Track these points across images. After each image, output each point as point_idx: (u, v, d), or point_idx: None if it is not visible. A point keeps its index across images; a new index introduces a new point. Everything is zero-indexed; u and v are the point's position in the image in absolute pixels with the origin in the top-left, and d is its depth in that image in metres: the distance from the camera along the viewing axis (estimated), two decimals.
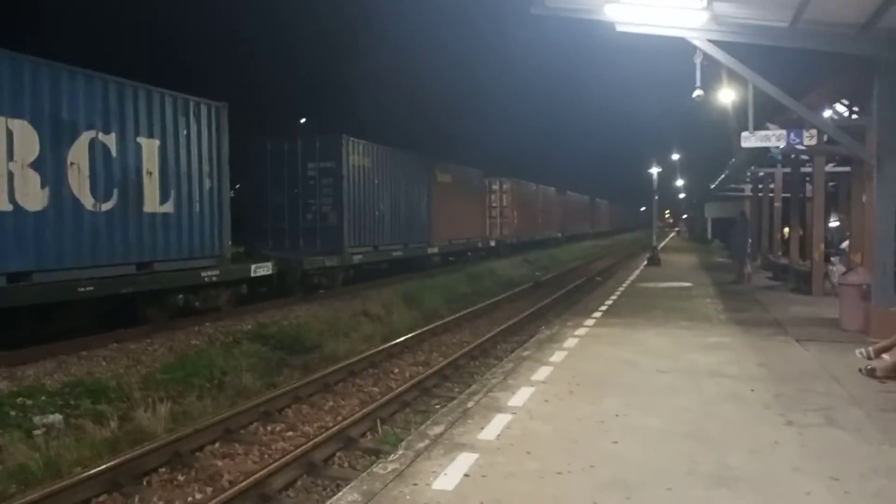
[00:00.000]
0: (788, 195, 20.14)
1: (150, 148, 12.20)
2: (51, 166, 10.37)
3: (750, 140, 10.93)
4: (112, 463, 6.23)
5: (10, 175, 9.74)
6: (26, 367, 9.63)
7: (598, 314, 12.43)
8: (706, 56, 9.90)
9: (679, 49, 10.35)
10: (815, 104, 12.08)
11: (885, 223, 9.45)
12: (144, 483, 6.30)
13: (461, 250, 28.04)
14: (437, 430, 5.68)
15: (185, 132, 13.00)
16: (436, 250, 25.14)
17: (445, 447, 5.26)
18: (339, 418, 8.05)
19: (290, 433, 7.67)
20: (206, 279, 13.32)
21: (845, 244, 14.98)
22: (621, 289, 17.10)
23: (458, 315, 15.63)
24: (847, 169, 15.98)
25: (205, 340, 12.07)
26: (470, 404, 6.46)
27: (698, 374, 7.68)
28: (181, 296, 13.15)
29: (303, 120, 45.36)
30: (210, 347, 11.46)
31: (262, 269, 15.10)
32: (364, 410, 7.90)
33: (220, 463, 6.74)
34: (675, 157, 44.86)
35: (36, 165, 10.13)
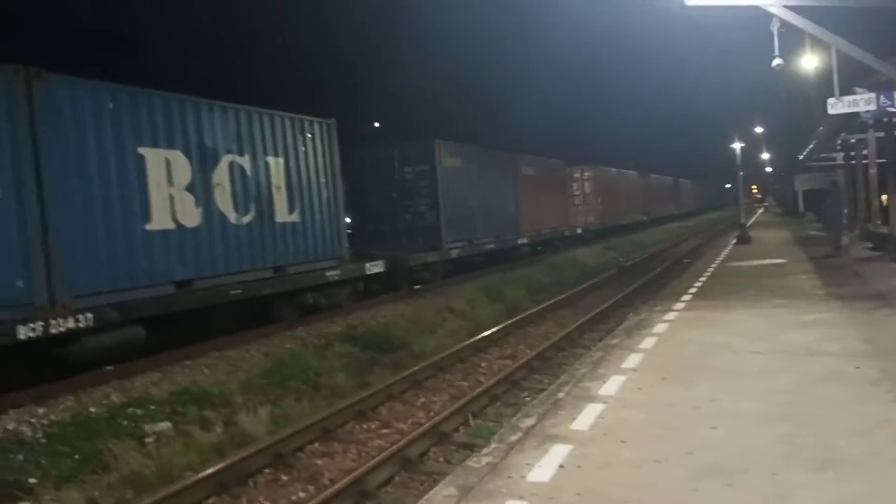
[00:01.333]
0: (884, 161, 19.12)
1: (276, 165, 13.63)
2: (200, 188, 11.83)
3: (837, 106, 10.48)
4: (219, 466, 6.52)
5: (171, 198, 11.27)
6: (134, 378, 10.11)
7: (687, 297, 12.16)
8: (783, 23, 9.53)
9: (752, 18, 10.01)
10: None
11: None
12: (250, 484, 6.57)
13: (548, 239, 28.69)
14: (529, 422, 5.71)
15: (302, 149, 14.44)
16: (525, 241, 25.98)
17: (538, 439, 5.28)
18: (432, 414, 8.20)
19: (385, 430, 7.85)
20: (330, 278, 14.69)
21: None
22: (710, 270, 16.65)
23: (541, 306, 15.57)
24: None
25: (298, 344, 12.43)
26: (560, 395, 6.45)
27: (797, 353, 7.43)
28: (310, 294, 14.42)
29: (377, 124, 45.84)
30: (304, 350, 11.80)
31: (376, 267, 16.57)
32: (455, 405, 8.00)
33: (320, 462, 6.97)
34: (759, 130, 43.21)
35: (190, 188, 11.63)
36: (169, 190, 11.20)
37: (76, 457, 7.17)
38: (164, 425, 8.26)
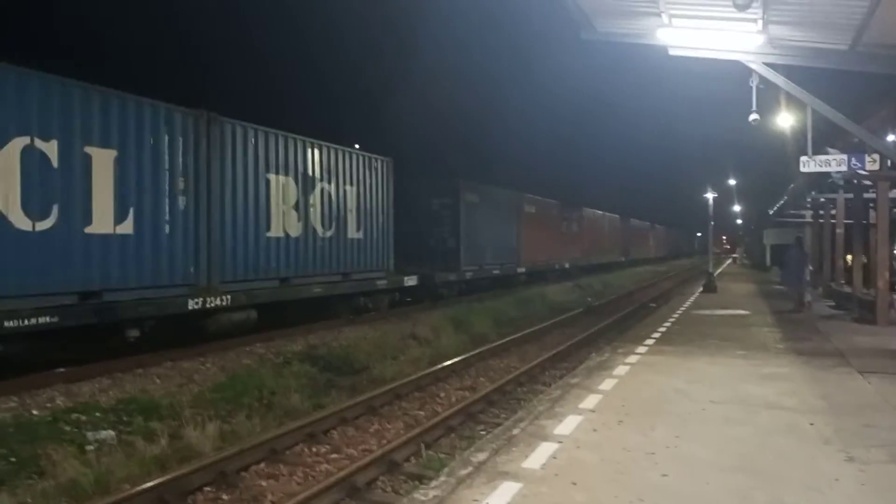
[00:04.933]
0: (851, 222, 19.50)
1: (351, 192, 17.14)
2: (302, 207, 15.14)
3: (809, 165, 10.67)
4: (159, 480, 6.30)
5: (283, 213, 14.56)
6: (82, 383, 9.87)
7: (650, 341, 12.16)
8: (762, 79, 9.70)
9: (733, 73, 10.18)
10: (877, 128, 11.71)
11: None
12: (189, 501, 6.35)
13: (542, 270, 32.06)
14: (481, 456, 5.60)
15: (370, 181, 18.01)
16: (523, 270, 29.48)
17: (489, 475, 5.17)
18: (384, 441, 8.03)
19: (335, 455, 7.66)
20: (379, 286, 18.07)
21: None
22: (675, 315, 16.73)
23: (506, 339, 15.50)
24: None
25: (256, 360, 12.22)
26: (515, 431, 6.36)
27: (754, 405, 7.42)
28: (363, 298, 17.63)
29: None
30: (261, 367, 11.59)
31: (411, 281, 19.88)
32: (409, 434, 7.86)
33: (264, 483, 6.76)
34: (732, 182, 43.96)
35: (295, 206, 14.95)
36: (282, 207, 14.49)
37: (12, 459, 6.93)
38: (108, 434, 8.03)
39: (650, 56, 10.82)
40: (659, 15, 8.96)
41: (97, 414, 8.58)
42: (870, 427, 6.51)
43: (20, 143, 9.45)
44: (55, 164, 9.88)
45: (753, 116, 10.47)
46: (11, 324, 9.02)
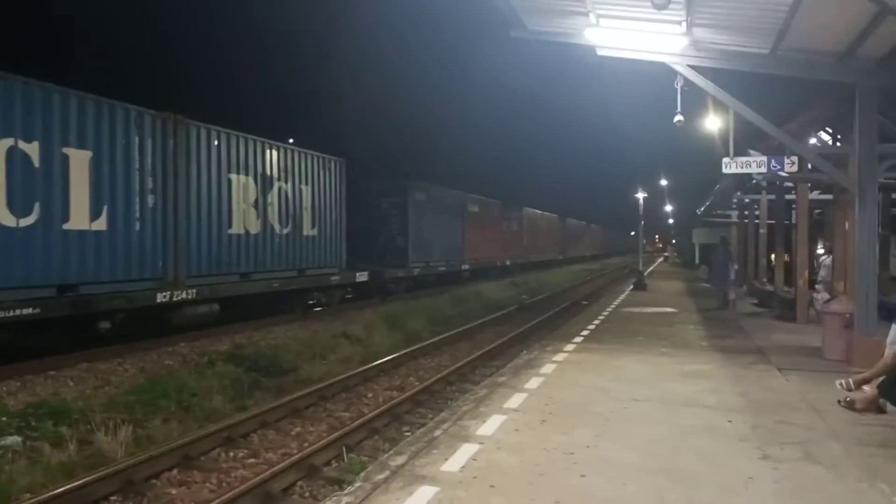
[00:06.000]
0: (773, 222, 20.10)
1: (306, 192, 17.84)
2: (261, 205, 15.85)
3: (731, 166, 10.86)
4: (62, 489, 5.97)
5: (244, 211, 15.25)
6: None
7: (578, 339, 12.25)
8: (687, 81, 9.83)
9: (661, 74, 10.29)
10: (797, 131, 12.04)
11: (866, 251, 9.33)
12: None
13: (484, 268, 33.34)
14: (400, 460, 5.47)
15: (324, 181, 18.79)
16: (467, 267, 30.76)
17: (405, 479, 5.05)
18: (305, 445, 7.80)
19: (252, 460, 7.39)
20: (332, 282, 18.91)
21: (825, 273, 14.85)
22: (605, 313, 16.95)
23: (439, 338, 15.42)
24: (831, 196, 15.94)
25: (178, 361, 11.82)
26: (437, 433, 6.25)
27: (675, 403, 7.50)
28: (316, 293, 18.42)
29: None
30: (182, 368, 11.20)
31: (362, 277, 20.69)
32: (330, 437, 7.64)
33: (174, 491, 6.46)
34: (664, 182, 44.98)
35: (255, 205, 15.68)
36: (243, 205, 15.20)
37: None
38: (13, 440, 7.61)
39: (583, 57, 10.87)
40: (587, 14, 8.97)
41: (3, 418, 8.15)
42: (785, 424, 6.65)
43: (5, 144, 10.09)
44: (36, 164, 10.52)
45: (678, 118, 10.61)
46: None
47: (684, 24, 8.82)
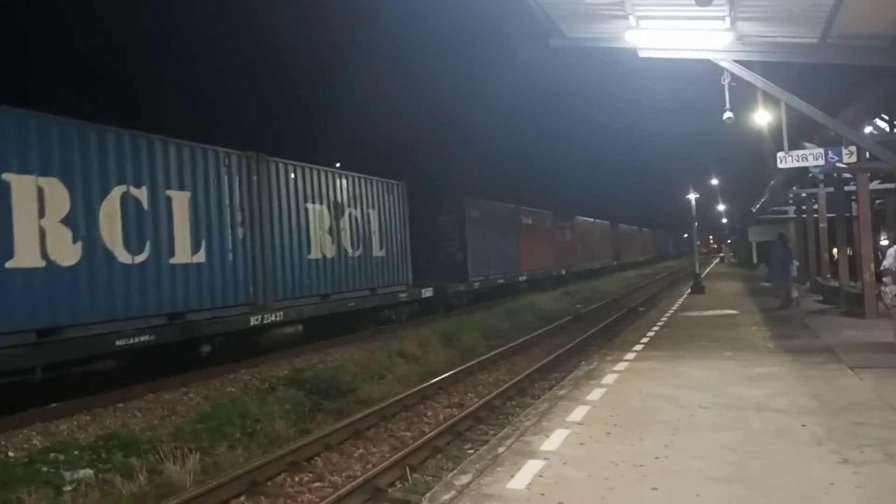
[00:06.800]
0: (833, 215, 19.47)
1: (374, 216, 18.88)
2: (335, 230, 16.99)
3: (786, 161, 10.59)
4: None
5: (320, 237, 16.33)
6: (60, 421, 9.58)
7: (638, 347, 12.03)
8: (734, 77, 9.62)
9: (706, 72, 10.09)
10: (853, 120, 11.64)
11: None
12: None
13: (540, 278, 33.45)
14: (464, 479, 5.41)
15: (389, 204, 19.78)
16: (524, 278, 31.10)
17: (472, 499, 4.99)
18: (369, 466, 7.80)
19: (318, 484, 7.41)
20: (401, 299, 19.75)
21: (889, 262, 14.27)
22: (664, 319, 16.62)
23: (495, 352, 15.31)
24: (893, 185, 15.38)
25: (240, 387, 11.96)
26: (501, 450, 6.17)
27: (744, 408, 7.27)
28: (387, 310, 19.11)
29: (338, 164, 47.00)
30: (245, 394, 11.34)
31: (427, 292, 21.40)
32: (394, 458, 7.63)
33: None
34: (715, 181, 44.10)
35: (329, 231, 16.74)
36: (319, 232, 16.25)
37: None
38: (86, 473, 7.79)
39: (625, 60, 10.75)
40: (626, 17, 8.86)
41: (75, 452, 8.33)
42: (863, 425, 6.38)
43: (119, 191, 11.25)
44: (146, 206, 11.71)
45: (727, 115, 10.36)
46: (121, 342, 10.71)
47: (728, 19, 8.65)
